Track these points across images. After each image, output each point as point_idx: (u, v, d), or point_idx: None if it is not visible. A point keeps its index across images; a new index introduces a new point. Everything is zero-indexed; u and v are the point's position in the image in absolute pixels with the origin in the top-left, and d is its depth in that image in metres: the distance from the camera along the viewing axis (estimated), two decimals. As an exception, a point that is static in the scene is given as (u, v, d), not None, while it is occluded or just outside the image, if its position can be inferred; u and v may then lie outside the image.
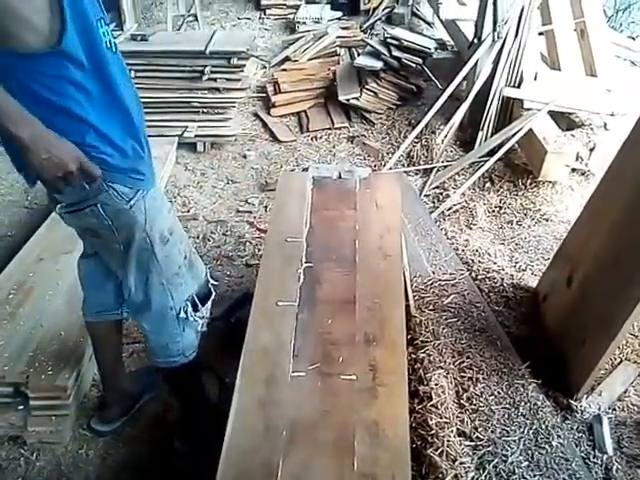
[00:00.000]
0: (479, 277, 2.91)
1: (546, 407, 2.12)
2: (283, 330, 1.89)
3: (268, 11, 6.85)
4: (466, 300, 2.60)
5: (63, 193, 1.59)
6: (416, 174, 3.99)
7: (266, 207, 3.73)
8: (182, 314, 1.93)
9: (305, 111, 4.83)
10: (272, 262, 2.19)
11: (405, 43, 4.63)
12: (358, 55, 5.07)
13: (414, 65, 4.63)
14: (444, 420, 2.00)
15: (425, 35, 5.20)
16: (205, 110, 4.38)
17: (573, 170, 3.67)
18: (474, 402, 2.10)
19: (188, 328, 1.98)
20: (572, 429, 2.17)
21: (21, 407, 2.30)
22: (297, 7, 6.66)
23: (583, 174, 3.70)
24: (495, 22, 3.79)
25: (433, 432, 1.96)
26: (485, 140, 3.99)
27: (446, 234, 3.34)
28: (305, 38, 5.73)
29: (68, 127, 1.49)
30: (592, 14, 4.22)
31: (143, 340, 2.32)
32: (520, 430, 2.01)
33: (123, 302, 2.04)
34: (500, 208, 3.57)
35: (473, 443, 1.97)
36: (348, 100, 4.64)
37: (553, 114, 3.85)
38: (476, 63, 3.97)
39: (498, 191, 3.70)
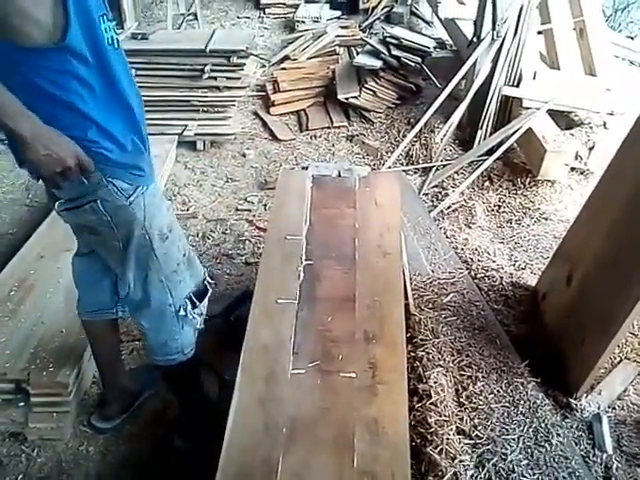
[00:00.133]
0: (478, 276, 2.92)
1: (545, 406, 2.12)
2: (283, 327, 1.90)
3: (267, 10, 6.85)
4: (465, 299, 2.61)
5: (62, 188, 1.60)
6: (415, 173, 4.00)
7: (265, 206, 3.73)
8: (181, 312, 1.93)
9: (304, 110, 4.83)
10: (272, 260, 2.19)
11: (404, 42, 4.64)
12: (357, 54, 5.08)
13: (413, 64, 4.63)
14: (443, 418, 2.00)
15: (424, 34, 5.20)
16: (205, 108, 4.38)
17: (572, 169, 3.68)
18: (473, 400, 2.11)
19: (187, 325, 1.98)
20: (572, 428, 2.18)
21: (22, 404, 2.30)
22: (296, 6, 6.65)
23: (582, 173, 3.71)
24: (494, 21, 3.79)
25: (432, 430, 1.96)
26: (484, 139, 3.99)
27: (445, 233, 3.35)
28: (304, 37, 5.72)
29: (71, 121, 1.50)
30: (591, 13, 4.23)
31: (142, 338, 2.31)
32: (520, 428, 2.01)
33: (118, 301, 2.04)
34: (499, 207, 3.57)
35: (472, 441, 1.97)
36: (347, 99, 4.64)
37: (552, 113, 3.86)
38: (475, 62, 3.97)
39: (497, 190, 3.71)
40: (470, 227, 3.41)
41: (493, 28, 3.82)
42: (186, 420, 2.31)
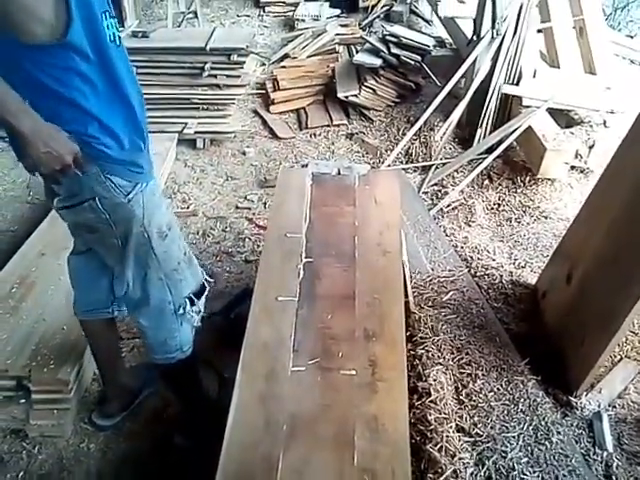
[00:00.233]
0: (478, 274, 2.92)
1: (546, 404, 2.12)
2: (283, 325, 1.90)
3: (267, 8, 6.85)
4: (465, 297, 2.61)
5: (61, 184, 1.61)
6: (415, 171, 4.00)
7: (265, 204, 3.74)
8: (180, 310, 1.93)
9: (304, 108, 4.83)
10: (272, 257, 2.20)
11: (404, 40, 4.63)
12: (357, 52, 5.07)
13: (413, 62, 4.63)
14: (443, 416, 2.01)
15: (424, 33, 5.20)
16: (205, 106, 4.38)
17: (572, 167, 3.68)
18: (473, 398, 2.11)
19: (185, 323, 1.98)
20: (572, 426, 2.18)
21: (23, 401, 2.31)
22: (296, 5, 6.65)
23: (582, 172, 3.71)
24: (494, 19, 3.79)
25: (432, 427, 1.96)
26: (484, 137, 3.99)
27: (445, 231, 3.35)
28: (304, 35, 5.72)
29: (72, 117, 1.51)
30: (591, 12, 4.24)
31: (141, 337, 2.31)
32: (520, 426, 2.01)
33: (115, 300, 2.02)
34: (499, 205, 3.58)
35: (472, 439, 1.97)
36: (347, 97, 4.64)
37: (552, 111, 3.86)
38: (475, 60, 3.97)
39: (497, 188, 3.71)
40: (470, 225, 3.41)
41: (493, 26, 3.82)
42: (186, 418, 2.31)
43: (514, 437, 1.97)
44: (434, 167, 3.95)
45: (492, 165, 3.83)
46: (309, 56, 5.37)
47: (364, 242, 2.27)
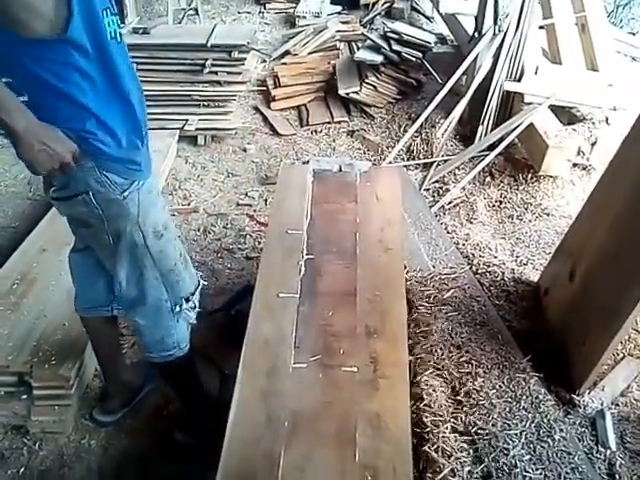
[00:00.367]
0: (480, 271, 2.91)
1: (548, 401, 2.11)
2: (284, 322, 1.90)
3: (268, 5, 6.83)
4: (467, 294, 2.60)
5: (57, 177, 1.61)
6: (416, 168, 3.99)
7: (266, 200, 3.73)
8: (177, 308, 1.93)
9: (305, 105, 4.82)
10: (273, 254, 2.19)
11: (405, 37, 4.62)
12: (358, 49, 5.06)
13: (414, 59, 4.61)
14: (438, 418, 1.99)
15: (425, 29, 5.18)
16: (206, 103, 4.37)
17: (574, 165, 3.67)
18: (473, 396, 2.10)
19: (182, 320, 1.98)
20: (574, 424, 2.17)
21: (24, 397, 2.31)
22: (297, 1, 6.61)
23: (584, 169, 3.69)
24: (496, 16, 3.78)
25: (428, 429, 1.95)
26: (485, 134, 3.98)
27: (446, 228, 3.34)
28: (305, 32, 5.71)
29: (70, 113, 1.50)
30: (593, 8, 4.22)
31: (136, 336, 2.30)
32: (522, 424, 2.00)
33: (114, 299, 2.01)
34: (501, 202, 3.57)
35: (470, 438, 1.97)
36: (348, 94, 4.63)
37: (554, 108, 3.85)
38: (476, 57, 3.96)
39: (498, 185, 3.70)
40: (471, 222, 3.41)
41: (495, 23, 3.81)
42: (186, 414, 2.31)
43: (516, 434, 1.96)
44: (435, 164, 3.94)
45: (494, 162, 3.82)
46: (310, 53, 5.37)
47: (365, 239, 2.27)
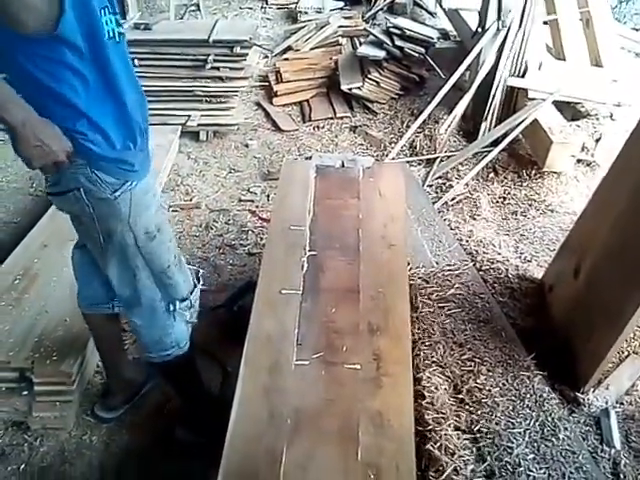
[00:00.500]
0: (483, 268, 2.89)
1: (552, 399, 2.09)
2: (287, 318, 1.89)
3: (270, 0, 6.80)
4: (470, 291, 2.58)
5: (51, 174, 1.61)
6: (419, 164, 3.98)
7: (268, 196, 3.72)
8: (171, 307, 1.92)
9: (307, 100, 4.81)
10: (275, 250, 2.18)
11: (408, 33, 4.60)
12: (360, 45, 5.03)
13: (417, 55, 4.59)
14: (441, 416, 1.98)
15: (428, 25, 5.16)
16: (208, 99, 4.36)
17: (578, 161, 3.65)
18: (476, 394, 2.08)
19: (179, 318, 1.96)
20: (579, 422, 2.15)
21: (25, 392, 2.31)
22: (299, -3, 6.61)
23: (588, 165, 3.67)
24: (499, 11, 3.75)
25: (430, 427, 1.94)
26: (489, 130, 3.97)
27: (449, 225, 3.32)
28: (307, 28, 5.68)
29: (61, 113, 1.49)
30: (597, 4, 4.20)
31: (135, 336, 2.29)
32: (526, 422, 1.98)
33: (115, 297, 2.01)
34: (504, 199, 3.55)
35: (472, 436, 1.95)
36: (350, 90, 4.62)
37: (558, 104, 3.83)
38: (480, 53, 3.93)
39: (502, 182, 3.69)
40: (475, 219, 3.39)
41: (498, 18, 3.78)
42: (187, 412, 2.30)
43: (520, 433, 1.94)
44: (439, 160, 3.92)
45: (497, 158, 3.80)
46: (312, 48, 5.34)
47: (368, 235, 2.26)
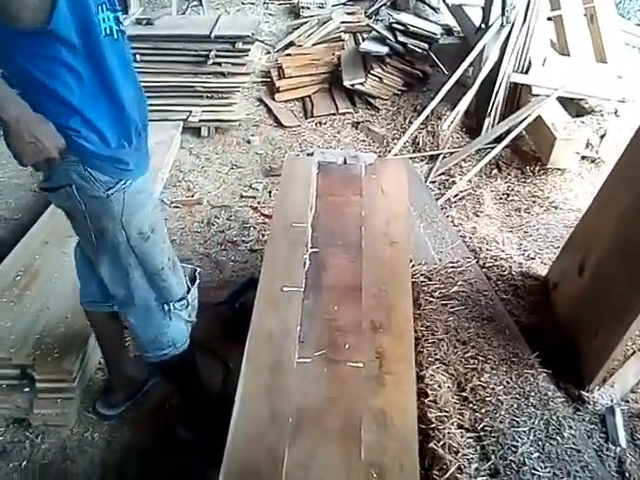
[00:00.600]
0: (487, 265, 2.87)
1: (557, 398, 2.07)
2: (289, 316, 1.88)
3: (273, -4, 6.79)
4: (473, 288, 2.56)
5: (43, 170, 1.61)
6: (422, 160, 3.96)
7: (270, 192, 3.71)
8: (166, 306, 1.91)
9: (309, 96, 4.79)
10: (277, 247, 2.17)
11: (411, 28, 4.58)
12: (363, 40, 5.02)
13: (420, 50, 4.59)
14: (444, 414, 1.96)
15: (431, 20, 5.14)
16: (209, 95, 4.34)
17: (583, 157, 3.62)
18: (480, 392, 2.06)
19: (175, 318, 1.95)
20: (584, 421, 2.12)
21: (27, 389, 2.31)
22: (301, -8, 6.58)
23: (593, 161, 3.65)
24: (503, 7, 3.73)
25: (433, 426, 1.92)
26: (492, 126, 3.95)
27: (452, 221, 3.31)
28: (309, 23, 5.67)
29: (55, 109, 1.48)
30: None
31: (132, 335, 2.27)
32: (530, 421, 1.96)
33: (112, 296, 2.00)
34: (508, 195, 3.53)
35: (476, 434, 1.94)
36: (353, 85, 4.60)
37: (562, 100, 3.81)
38: (483, 48, 3.92)
39: (505, 178, 3.67)
40: (478, 215, 3.37)
41: (502, 14, 3.77)
42: (188, 410, 2.29)
43: (524, 432, 1.92)
44: (441, 156, 3.90)
45: (501, 154, 3.78)
46: (314, 44, 5.32)
47: (371, 232, 2.24)
